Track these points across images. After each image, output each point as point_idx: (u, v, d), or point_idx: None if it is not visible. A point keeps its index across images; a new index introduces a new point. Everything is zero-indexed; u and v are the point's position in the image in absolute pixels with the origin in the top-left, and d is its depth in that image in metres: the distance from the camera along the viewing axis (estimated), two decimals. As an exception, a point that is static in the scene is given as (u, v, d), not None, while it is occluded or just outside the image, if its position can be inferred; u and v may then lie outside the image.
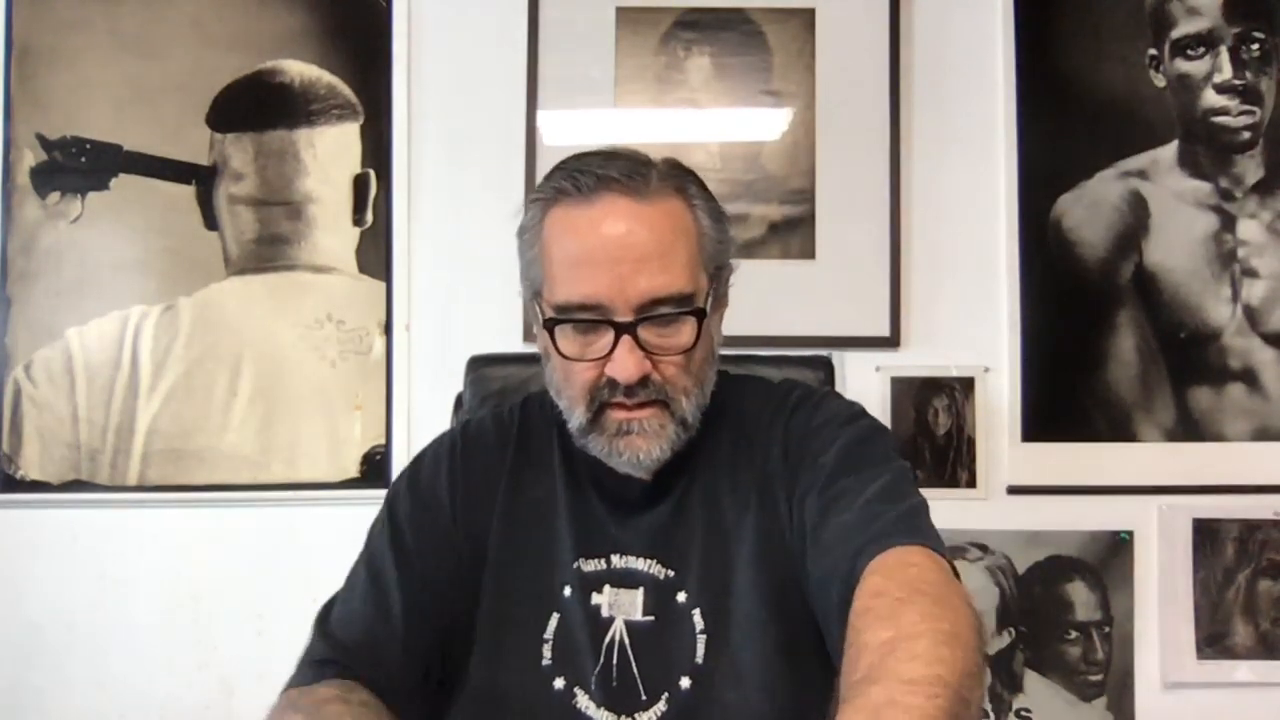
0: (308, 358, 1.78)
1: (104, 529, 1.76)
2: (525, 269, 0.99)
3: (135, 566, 1.76)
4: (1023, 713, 1.77)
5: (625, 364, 0.91)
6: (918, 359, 1.79)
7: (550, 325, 0.94)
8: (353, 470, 1.77)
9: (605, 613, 0.95)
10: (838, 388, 1.44)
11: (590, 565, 0.97)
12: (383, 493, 1.72)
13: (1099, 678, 1.78)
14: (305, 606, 1.72)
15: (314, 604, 1.71)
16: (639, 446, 0.94)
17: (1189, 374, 1.78)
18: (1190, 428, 1.78)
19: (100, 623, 1.75)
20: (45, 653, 1.75)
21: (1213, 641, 1.78)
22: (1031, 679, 1.77)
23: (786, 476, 0.95)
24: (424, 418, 1.76)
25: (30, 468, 1.76)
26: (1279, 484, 1.77)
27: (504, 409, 1.09)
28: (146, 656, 1.75)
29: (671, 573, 0.96)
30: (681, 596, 0.95)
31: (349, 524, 1.72)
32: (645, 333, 0.92)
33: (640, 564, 0.97)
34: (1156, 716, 1.78)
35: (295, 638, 1.82)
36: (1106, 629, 1.78)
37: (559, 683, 0.94)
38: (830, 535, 0.86)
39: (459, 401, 1.41)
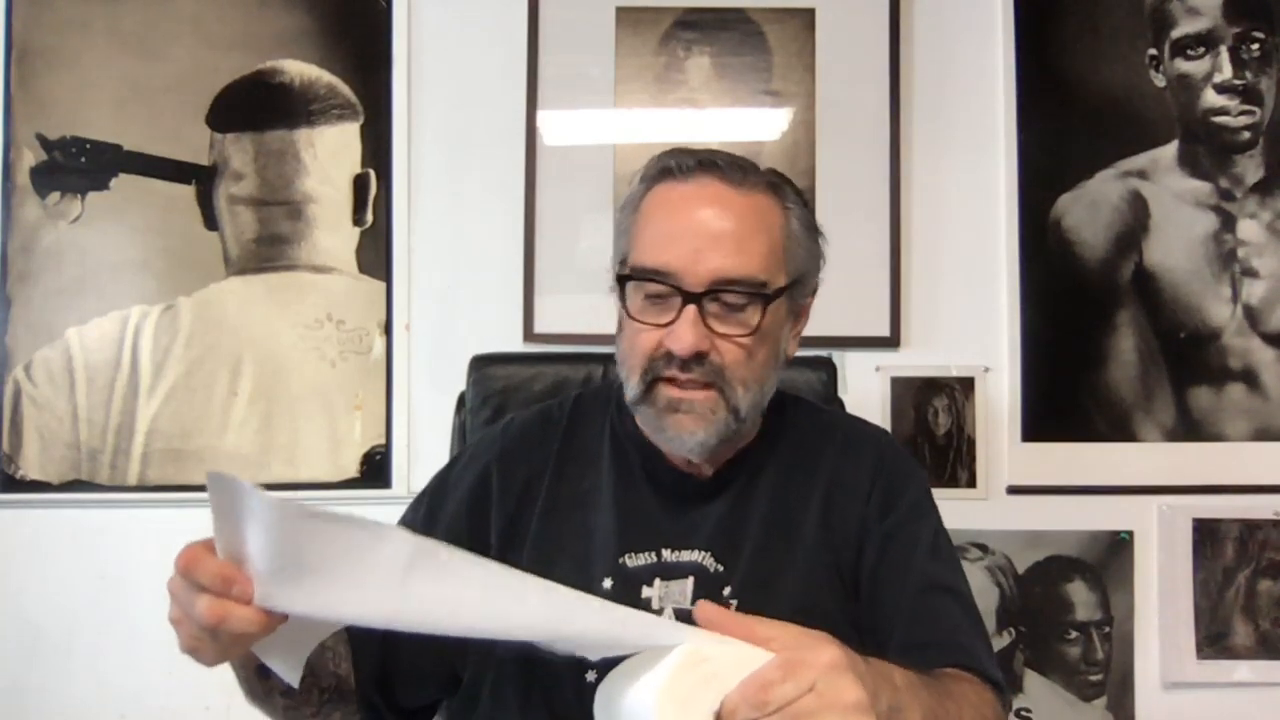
0: (308, 358, 1.78)
1: (104, 529, 1.76)
2: (616, 242, 1.02)
3: (135, 566, 1.75)
4: (1023, 713, 1.77)
5: (684, 335, 0.92)
6: (918, 359, 1.79)
7: (622, 279, 0.96)
8: (353, 470, 1.77)
9: (655, 605, 0.95)
10: (838, 388, 1.44)
11: (637, 560, 0.97)
12: (382, 493, 1.77)
13: (1099, 678, 1.78)
14: (305, 606, 1.74)
15: (314, 604, 1.72)
16: (685, 426, 0.94)
17: (1189, 374, 1.78)
18: (1190, 428, 1.78)
19: (100, 623, 1.75)
20: (45, 653, 1.75)
21: (1213, 641, 1.78)
22: (1031, 679, 1.77)
23: (868, 508, 1.00)
24: (424, 418, 1.76)
25: (30, 468, 1.76)
26: (1279, 484, 1.78)
27: (554, 404, 1.10)
28: (146, 656, 1.75)
29: (721, 567, 0.97)
30: (727, 590, 0.96)
31: (349, 524, 1.74)
32: (711, 309, 0.93)
33: (694, 556, 0.97)
34: (1156, 716, 1.78)
35: (295, 638, 1.80)
36: (1106, 629, 1.78)
37: (591, 675, 0.94)
38: (925, 610, 0.95)
39: (461, 401, 1.41)
